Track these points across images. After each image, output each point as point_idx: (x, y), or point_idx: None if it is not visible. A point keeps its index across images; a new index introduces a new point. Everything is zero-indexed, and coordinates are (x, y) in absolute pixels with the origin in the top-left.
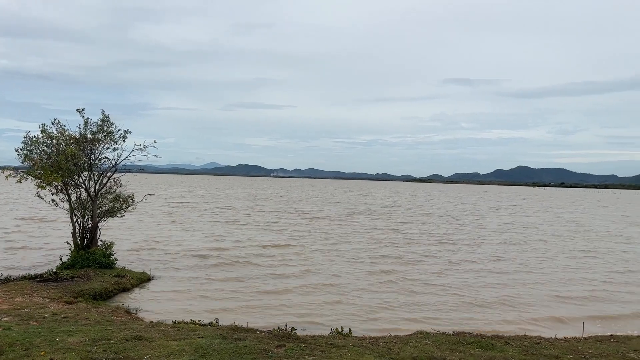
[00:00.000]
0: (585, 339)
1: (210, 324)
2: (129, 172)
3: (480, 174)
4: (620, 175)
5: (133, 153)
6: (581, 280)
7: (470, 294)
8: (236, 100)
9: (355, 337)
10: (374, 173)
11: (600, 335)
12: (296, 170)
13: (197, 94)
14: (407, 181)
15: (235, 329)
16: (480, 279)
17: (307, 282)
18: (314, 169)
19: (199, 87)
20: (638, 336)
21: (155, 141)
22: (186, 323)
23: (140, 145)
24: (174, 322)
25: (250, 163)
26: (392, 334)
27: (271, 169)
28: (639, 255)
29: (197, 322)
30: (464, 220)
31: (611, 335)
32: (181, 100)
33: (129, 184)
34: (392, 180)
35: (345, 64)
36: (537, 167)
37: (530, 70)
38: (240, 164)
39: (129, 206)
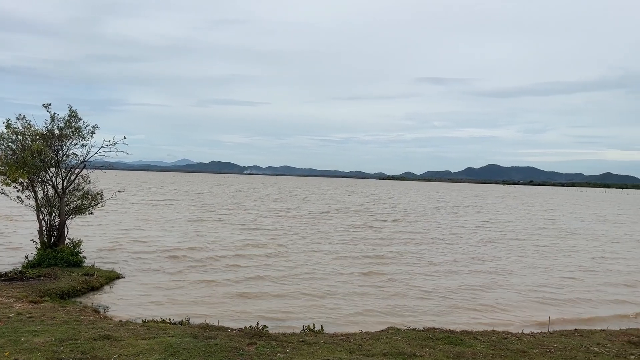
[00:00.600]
0: (551, 333)
1: (181, 323)
2: (98, 168)
3: (452, 171)
4: (586, 174)
5: (102, 149)
6: (550, 278)
7: (444, 292)
8: (209, 97)
9: (327, 334)
10: (347, 171)
11: (565, 330)
12: (270, 167)
13: (170, 90)
14: (380, 179)
15: (206, 327)
16: (456, 278)
17: (282, 281)
18: (287, 166)
19: (171, 83)
20: (601, 330)
21: (125, 137)
22: (156, 322)
23: (109, 141)
24: (144, 321)
25: (223, 160)
26: (364, 331)
27: (244, 166)
28: (610, 254)
29: (167, 320)
30: (439, 218)
31: (575, 329)
32: (153, 96)
33: (97, 180)
34: (365, 177)
35: (319, 61)
36: (506, 166)
37: (501, 70)
38: (213, 161)
39: (98, 203)
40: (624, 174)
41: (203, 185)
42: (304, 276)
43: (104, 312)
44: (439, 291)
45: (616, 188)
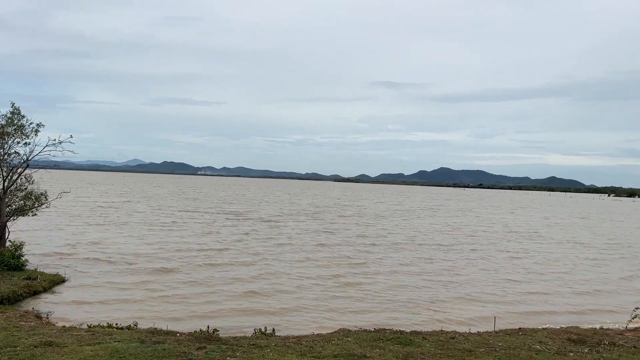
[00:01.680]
0: (496, 332)
1: (129, 328)
2: (43, 168)
3: (405, 174)
4: (532, 178)
5: (47, 148)
6: (498, 279)
7: (396, 294)
8: (163, 95)
9: (279, 336)
10: (303, 172)
11: (510, 329)
12: (225, 168)
13: (121, 88)
14: (335, 181)
15: (154, 332)
16: (409, 280)
17: (235, 284)
18: (243, 167)
19: (123, 81)
20: (543, 329)
21: (71, 136)
22: (102, 327)
23: (55, 140)
24: (89, 326)
25: (176, 160)
26: (316, 333)
27: (198, 167)
28: (556, 256)
29: (114, 325)
30: (396, 221)
31: (519, 328)
32: (103, 94)
33: (42, 180)
34: (321, 179)
35: (276, 62)
36: (457, 169)
37: (453, 75)
38: (166, 161)
39: (42, 204)
40: (568, 178)
41: (156, 187)
42: (257, 279)
43: (47, 318)
44: (391, 293)
45: (560, 192)
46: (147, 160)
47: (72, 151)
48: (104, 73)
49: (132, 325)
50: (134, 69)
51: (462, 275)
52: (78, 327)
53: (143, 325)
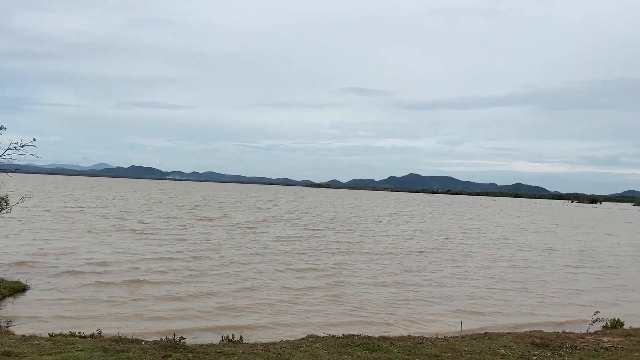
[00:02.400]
0: (462, 337)
1: (92, 336)
2: (3, 171)
3: (375, 180)
4: (499, 184)
5: (8, 152)
6: (466, 284)
7: (366, 299)
8: (131, 98)
9: (246, 344)
10: (274, 177)
11: (476, 334)
12: (194, 173)
13: (88, 90)
14: (307, 186)
15: (118, 340)
16: (378, 286)
17: (202, 291)
18: (212, 172)
19: (90, 83)
20: (508, 333)
21: (34, 139)
22: (64, 335)
23: (17, 143)
24: (51, 335)
25: (144, 165)
26: (284, 340)
27: (167, 172)
28: (525, 262)
29: (76, 334)
30: (369, 227)
31: (485, 333)
32: (69, 96)
33: (3, 185)
34: (292, 185)
35: (248, 66)
36: (427, 175)
37: (423, 83)
38: (133, 166)
39: (2, 209)
40: (533, 184)
41: (124, 192)
42: (227, 285)
43: (6, 327)
44: (361, 297)
45: (526, 197)
46: (114, 165)
47: (35, 155)
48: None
49: (95, 333)
50: (102, 71)
51: (432, 281)
52: (39, 336)
53: (107, 333)
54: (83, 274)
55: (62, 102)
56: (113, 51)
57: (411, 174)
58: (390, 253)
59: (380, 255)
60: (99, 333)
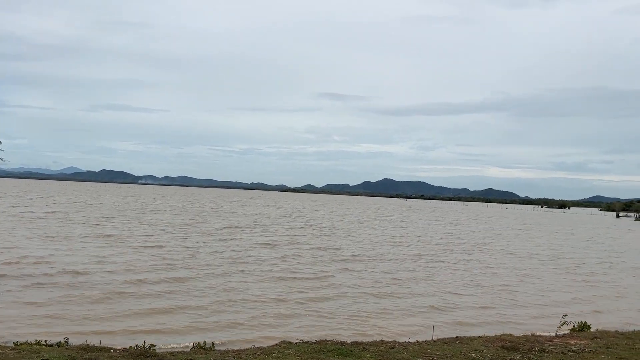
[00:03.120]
0: (434, 341)
1: (59, 344)
2: None
3: (350, 185)
4: (471, 189)
5: None
6: (438, 289)
7: (340, 304)
8: (102, 101)
9: (218, 351)
10: (249, 182)
11: (448, 338)
12: (167, 177)
13: (58, 92)
14: (281, 191)
15: (86, 348)
16: (353, 289)
17: (174, 297)
18: (186, 176)
19: (59, 85)
20: (479, 337)
21: (0, 142)
22: (30, 344)
23: None
24: (15, 344)
25: (115, 169)
26: (257, 346)
27: (139, 176)
28: (496, 266)
29: (42, 342)
30: (347, 232)
31: (457, 337)
32: (38, 98)
33: None
34: (267, 189)
35: (222, 70)
36: (400, 180)
37: (396, 89)
38: (104, 170)
39: None
40: (504, 189)
41: (97, 196)
42: (199, 291)
43: None
44: (334, 303)
45: (497, 203)
46: (85, 168)
47: (1, 158)
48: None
49: (62, 342)
50: (72, 73)
51: (404, 286)
52: (3, 345)
53: (74, 341)
54: (50, 282)
55: (30, 104)
56: (84, 53)
57: (385, 179)
58: (367, 259)
59: (357, 262)
60: (65, 341)
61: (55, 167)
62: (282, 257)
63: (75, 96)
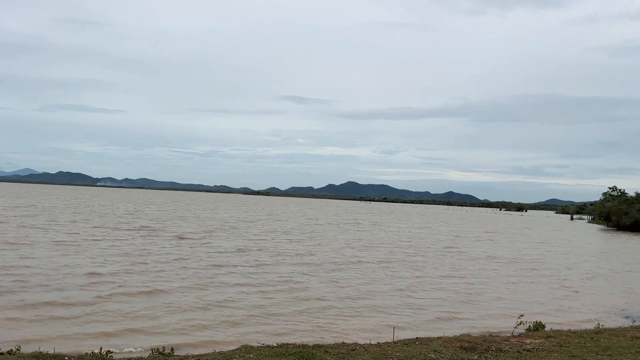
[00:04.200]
0: (395, 343)
1: (10, 353)
2: None
3: (315, 187)
4: (432, 192)
5: None
6: (399, 291)
7: (302, 308)
8: (56, 101)
9: (177, 356)
10: (212, 185)
11: (408, 339)
12: (126, 179)
13: (9, 91)
14: (245, 193)
15: (39, 356)
16: (315, 292)
17: (133, 300)
18: (146, 178)
19: (12, 84)
20: (438, 338)
21: None
22: None
23: None
24: None
25: (73, 170)
26: (217, 351)
27: (97, 178)
28: (456, 268)
29: None
30: (311, 235)
31: (416, 338)
32: None
33: None
34: (230, 192)
35: (182, 70)
36: (364, 183)
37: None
38: (61, 171)
39: None
40: (464, 192)
41: (51, 198)
42: (158, 296)
43: None
44: (296, 305)
45: (457, 205)
46: (40, 170)
47: None
48: None
49: (13, 349)
50: (24, 72)
51: (366, 288)
52: None
53: (27, 349)
54: (2, 290)
55: None
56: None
57: (349, 182)
58: (330, 262)
59: (319, 265)
60: (17, 349)
61: (8, 169)
62: (245, 260)
63: (29, 96)
